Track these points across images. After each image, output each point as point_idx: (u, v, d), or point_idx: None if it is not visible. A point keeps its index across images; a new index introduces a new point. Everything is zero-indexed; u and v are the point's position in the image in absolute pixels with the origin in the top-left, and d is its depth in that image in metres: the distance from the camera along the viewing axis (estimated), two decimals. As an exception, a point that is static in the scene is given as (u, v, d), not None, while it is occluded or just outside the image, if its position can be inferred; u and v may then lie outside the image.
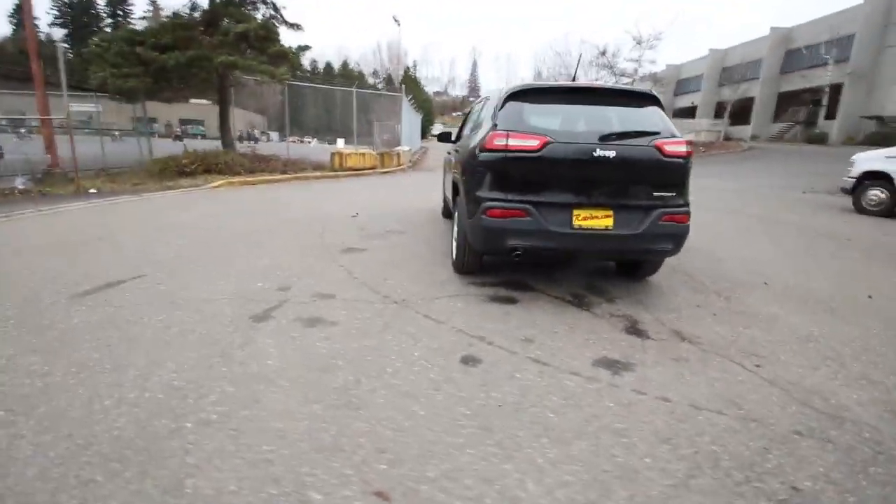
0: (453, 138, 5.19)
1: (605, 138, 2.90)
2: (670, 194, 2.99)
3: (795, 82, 31.92)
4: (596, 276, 3.75)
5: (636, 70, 25.44)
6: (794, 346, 2.59)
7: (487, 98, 3.93)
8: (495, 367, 2.25)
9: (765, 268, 4.14)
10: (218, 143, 13.71)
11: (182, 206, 6.90)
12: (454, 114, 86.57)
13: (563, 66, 31.71)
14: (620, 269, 3.82)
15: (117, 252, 4.13)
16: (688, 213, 3.03)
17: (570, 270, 3.84)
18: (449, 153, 4.95)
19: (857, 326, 2.90)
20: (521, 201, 2.92)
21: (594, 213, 2.92)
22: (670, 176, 2.97)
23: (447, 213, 5.84)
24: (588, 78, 25.55)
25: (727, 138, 33.55)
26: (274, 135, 38.99)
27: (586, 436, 1.74)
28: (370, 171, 13.96)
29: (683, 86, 43.74)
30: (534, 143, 2.84)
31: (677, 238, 3.01)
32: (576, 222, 2.91)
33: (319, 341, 2.45)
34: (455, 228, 3.79)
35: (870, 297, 3.48)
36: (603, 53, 26.19)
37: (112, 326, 2.55)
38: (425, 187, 9.90)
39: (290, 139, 15.59)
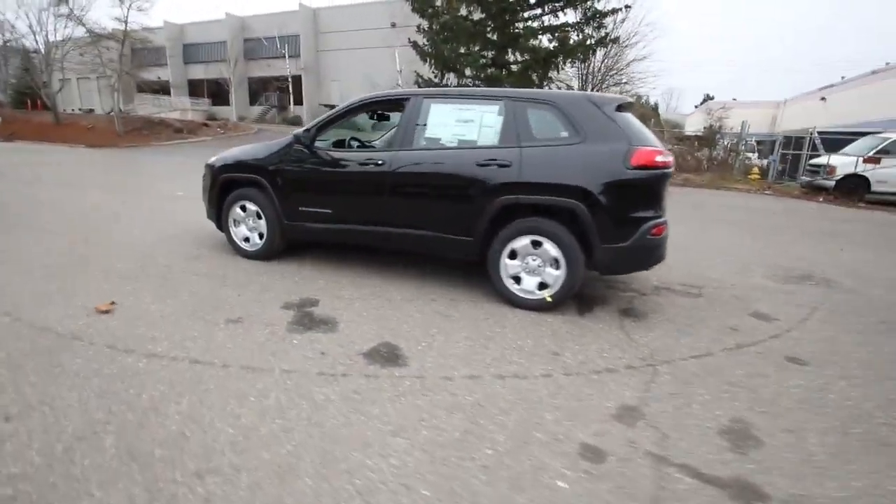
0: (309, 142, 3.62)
1: None
2: None
3: (263, 69, 36.24)
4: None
5: (125, 30, 20.75)
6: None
7: (494, 99, 3.14)
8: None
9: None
10: None
11: None
12: None
13: None
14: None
15: None
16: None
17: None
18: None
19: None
20: (661, 215, 3.00)
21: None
22: None
23: (270, 253, 3.97)
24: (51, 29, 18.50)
25: (212, 118, 34.35)
26: None
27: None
28: None
29: (195, 52, 38.54)
30: (670, 158, 2.96)
31: None
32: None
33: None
34: (522, 260, 3.06)
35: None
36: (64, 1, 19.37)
37: None
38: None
39: None
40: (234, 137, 24.81)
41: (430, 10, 17.67)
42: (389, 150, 3.35)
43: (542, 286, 3.06)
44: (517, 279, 3.12)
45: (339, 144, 4.00)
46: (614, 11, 17.04)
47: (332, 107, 29.08)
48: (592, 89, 24.76)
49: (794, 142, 16.01)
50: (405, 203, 3.31)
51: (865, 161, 11.05)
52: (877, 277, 4.41)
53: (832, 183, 11.41)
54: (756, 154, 22.61)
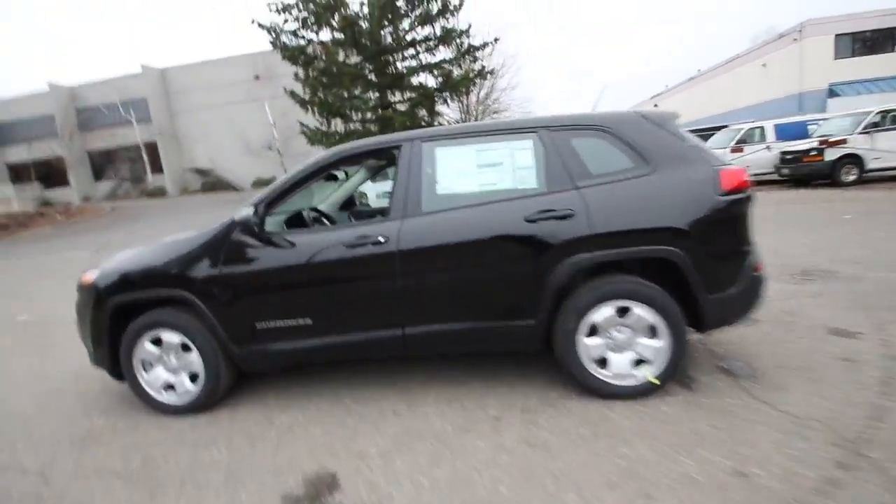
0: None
1: None
2: None
3: (106, 140, 31.48)
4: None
5: None
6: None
7: (540, 128, 2.36)
8: None
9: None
10: None
11: None
12: None
13: None
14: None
15: None
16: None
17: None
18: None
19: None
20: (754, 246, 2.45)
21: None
22: None
23: (212, 400, 2.65)
24: None
25: (47, 205, 28.78)
26: None
27: None
28: None
29: (14, 132, 31.22)
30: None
31: None
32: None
33: None
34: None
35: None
36: None
37: None
38: None
39: None
40: (84, 222, 20.79)
41: (302, 58, 16.76)
42: (389, 220, 2.35)
43: (638, 363, 2.30)
44: (602, 361, 2.31)
45: (296, 222, 2.88)
46: (485, 45, 17.77)
47: (202, 171, 26.09)
48: (474, 120, 25.72)
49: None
50: (427, 290, 2.33)
51: (732, 151, 12.59)
52: (857, 259, 4.47)
53: (710, 173, 12.80)
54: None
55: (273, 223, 2.70)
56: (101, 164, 32.50)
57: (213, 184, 30.33)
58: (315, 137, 16.80)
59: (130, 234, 15.41)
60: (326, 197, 4.00)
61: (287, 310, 2.43)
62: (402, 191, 2.38)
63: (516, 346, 2.40)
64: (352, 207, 4.05)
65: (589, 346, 2.29)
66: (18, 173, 31.85)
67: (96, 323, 2.62)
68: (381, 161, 3.51)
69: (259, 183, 29.06)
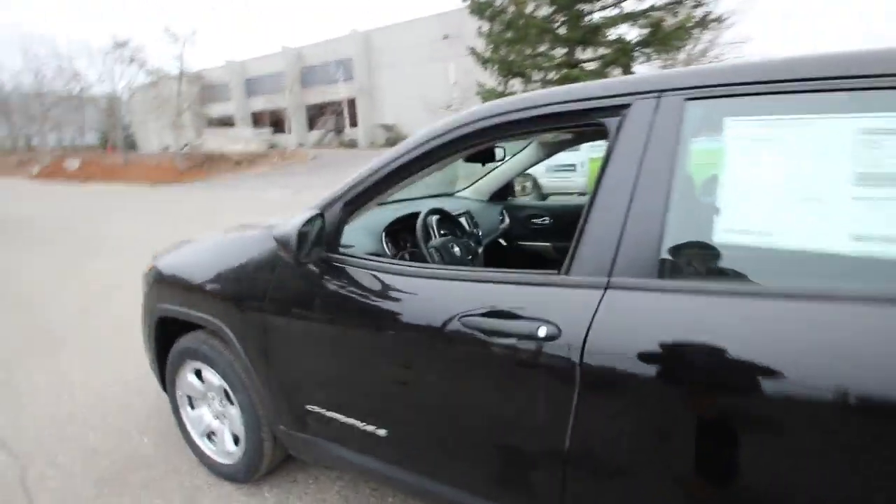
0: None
1: None
2: None
3: (318, 96, 36.02)
4: None
5: (181, 69, 20.71)
6: None
7: None
8: None
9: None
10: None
11: None
12: None
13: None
14: None
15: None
16: None
17: None
18: None
19: None
20: None
21: None
22: None
23: (253, 472, 1.78)
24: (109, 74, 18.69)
25: (273, 146, 34.49)
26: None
27: None
28: None
29: (256, 85, 39.65)
30: None
31: None
32: None
33: None
34: None
35: None
36: (121, 45, 19.59)
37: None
38: None
39: None
40: (293, 165, 24.20)
41: (490, 10, 15.55)
42: (569, 282, 1.02)
43: None
44: None
45: (401, 230, 1.78)
46: (715, -15, 13.82)
47: (387, 127, 27.72)
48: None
49: None
50: (641, 461, 0.98)
51: None
52: None
53: None
54: None
55: (366, 231, 1.63)
56: (314, 116, 37.57)
57: (395, 139, 32.41)
58: (489, 98, 15.73)
59: (323, 178, 17.07)
60: (472, 179, 2.81)
61: (350, 400, 1.37)
62: (607, 214, 1.00)
63: None
64: (507, 199, 2.79)
65: None
66: (257, 119, 39.12)
67: (147, 322, 1.99)
68: (569, 135, 2.14)
69: (434, 142, 29.91)
